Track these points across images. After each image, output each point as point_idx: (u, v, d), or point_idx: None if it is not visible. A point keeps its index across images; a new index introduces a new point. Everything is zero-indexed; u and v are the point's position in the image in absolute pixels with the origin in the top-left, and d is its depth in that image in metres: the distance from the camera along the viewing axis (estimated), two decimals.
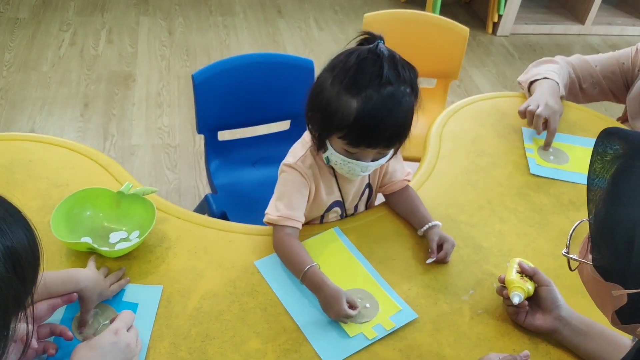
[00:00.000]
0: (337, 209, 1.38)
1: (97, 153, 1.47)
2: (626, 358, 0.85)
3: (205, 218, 1.35)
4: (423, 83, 2.67)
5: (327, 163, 1.26)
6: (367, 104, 1.09)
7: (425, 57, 2.32)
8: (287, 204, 1.25)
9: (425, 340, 1.14)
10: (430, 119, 1.81)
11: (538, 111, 1.65)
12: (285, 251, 1.23)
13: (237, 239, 1.29)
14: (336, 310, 1.11)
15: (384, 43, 1.15)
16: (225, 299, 1.16)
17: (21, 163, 1.40)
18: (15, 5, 3.83)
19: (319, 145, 1.22)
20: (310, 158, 1.28)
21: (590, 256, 0.78)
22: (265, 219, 1.27)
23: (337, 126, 1.13)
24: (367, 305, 1.17)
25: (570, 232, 0.86)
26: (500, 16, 4.17)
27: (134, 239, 1.24)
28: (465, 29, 2.24)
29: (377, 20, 2.26)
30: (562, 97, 1.84)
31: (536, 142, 1.71)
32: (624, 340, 1.07)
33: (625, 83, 1.90)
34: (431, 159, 1.60)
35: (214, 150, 1.97)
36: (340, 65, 1.13)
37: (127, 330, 1.00)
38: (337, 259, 1.27)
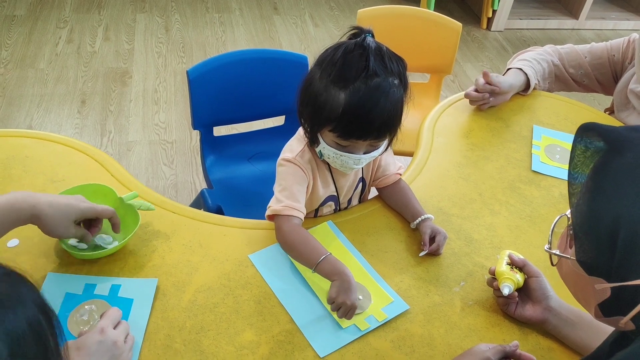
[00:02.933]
0: (332, 203, 1.39)
1: (93, 149, 1.49)
2: (602, 347, 0.87)
3: (200, 212, 1.36)
4: (416, 78, 2.70)
5: (320, 157, 1.28)
6: (354, 96, 1.11)
7: (419, 53, 2.34)
8: (289, 195, 1.26)
9: (416, 331, 1.15)
10: (423, 114, 1.83)
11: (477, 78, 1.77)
12: (298, 240, 1.22)
13: (231, 232, 1.31)
14: (353, 297, 1.09)
15: (372, 37, 1.16)
16: (219, 291, 1.18)
17: (18, 159, 1.42)
18: (12, 3, 3.84)
19: (312, 139, 1.24)
20: (308, 153, 1.30)
21: (570, 250, 0.79)
22: (267, 212, 1.27)
23: (327, 119, 1.15)
24: (360, 297, 1.19)
25: (552, 227, 0.87)
26: (494, 11, 4.19)
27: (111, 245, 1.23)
28: (458, 24, 2.26)
29: (371, 15, 2.27)
30: (535, 87, 1.90)
31: (545, 140, 1.72)
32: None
33: (614, 74, 1.92)
34: (424, 152, 1.61)
35: (210, 146, 1.98)
36: (328, 59, 1.15)
37: (115, 327, 1.00)
38: (331, 251, 1.27)
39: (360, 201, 1.47)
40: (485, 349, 1.04)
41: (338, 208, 1.42)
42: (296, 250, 1.22)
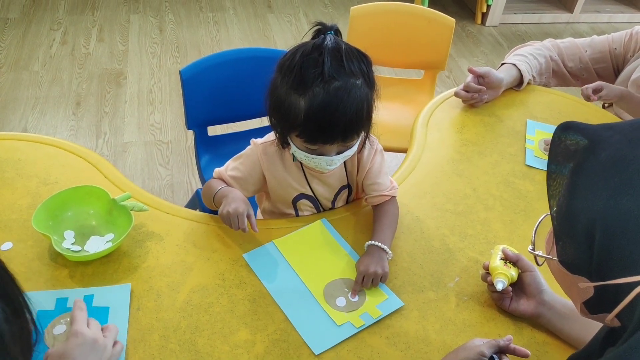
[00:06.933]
0: (307, 202, 1.38)
1: (87, 151, 1.48)
2: (594, 341, 0.87)
3: (193, 212, 1.36)
4: (411, 74, 2.69)
5: (294, 160, 1.29)
6: (313, 101, 1.10)
7: (412, 49, 2.34)
8: (233, 168, 1.34)
9: (411, 327, 1.15)
10: (417, 110, 1.83)
11: (468, 78, 1.78)
12: (208, 184, 1.35)
13: (225, 232, 1.31)
14: (234, 206, 1.20)
15: (335, 34, 1.15)
16: (214, 291, 1.18)
17: (11, 162, 1.42)
18: (4, 5, 3.83)
19: (282, 143, 1.24)
20: (273, 146, 1.30)
21: (555, 248, 0.79)
22: (214, 174, 1.36)
23: (292, 126, 1.15)
24: (356, 296, 1.19)
25: (535, 228, 0.88)
26: (489, 6, 4.18)
27: (104, 247, 1.22)
28: (451, 20, 2.25)
29: (364, 13, 2.27)
30: (529, 83, 1.90)
31: (539, 134, 1.72)
32: None
33: (615, 68, 1.92)
34: (417, 149, 1.61)
35: (204, 146, 1.98)
36: (287, 64, 1.14)
37: (88, 325, 0.98)
38: (325, 249, 1.29)
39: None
40: (480, 344, 1.04)
41: (321, 209, 1.41)
42: (205, 197, 1.36)
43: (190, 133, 2.88)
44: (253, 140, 1.34)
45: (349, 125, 1.14)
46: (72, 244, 1.23)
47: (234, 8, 4.13)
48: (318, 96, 1.10)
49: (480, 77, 1.76)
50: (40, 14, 3.81)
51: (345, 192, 1.40)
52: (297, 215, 1.40)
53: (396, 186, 1.38)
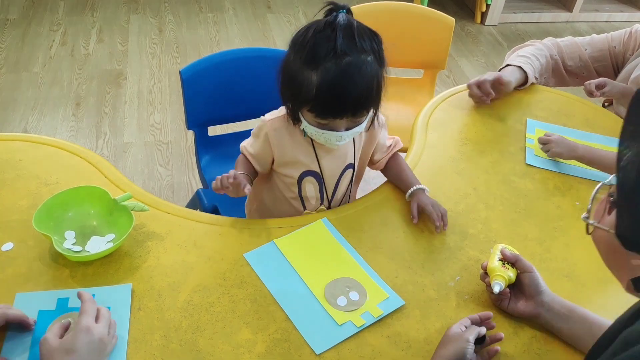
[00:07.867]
0: (313, 179, 1.40)
1: (87, 151, 1.49)
2: (624, 316, 0.85)
3: (194, 212, 1.36)
4: (411, 74, 2.70)
5: (305, 135, 1.31)
6: (325, 76, 1.13)
7: (412, 48, 2.34)
8: (252, 144, 1.39)
9: (412, 326, 1.16)
10: (417, 110, 1.83)
11: (485, 76, 1.77)
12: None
13: (226, 232, 1.31)
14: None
15: (347, 13, 1.17)
16: (215, 291, 1.18)
17: (11, 162, 1.42)
18: (4, 6, 3.84)
19: (293, 118, 1.27)
20: (281, 122, 1.33)
21: (607, 218, 0.76)
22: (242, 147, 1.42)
23: (304, 100, 1.18)
24: (356, 293, 1.19)
25: (592, 195, 0.83)
26: (488, 6, 4.19)
27: (105, 247, 1.22)
28: (451, 19, 2.26)
29: (364, 12, 2.27)
30: (533, 83, 1.90)
31: (539, 133, 1.72)
32: (605, 323, 1.08)
33: (615, 66, 1.92)
34: (417, 148, 1.61)
35: (205, 146, 1.98)
36: (300, 41, 1.17)
37: (96, 321, 0.99)
38: (326, 248, 1.29)
39: (349, 188, 1.48)
40: (458, 330, 1.04)
41: (324, 189, 1.42)
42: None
43: (191, 133, 2.89)
44: (262, 118, 1.36)
45: (359, 100, 1.17)
46: (73, 244, 1.23)
47: (234, 8, 4.13)
48: (330, 71, 1.13)
49: (498, 84, 1.75)
50: (40, 14, 3.81)
51: (349, 172, 1.43)
52: (300, 197, 1.42)
53: (397, 139, 1.50)
